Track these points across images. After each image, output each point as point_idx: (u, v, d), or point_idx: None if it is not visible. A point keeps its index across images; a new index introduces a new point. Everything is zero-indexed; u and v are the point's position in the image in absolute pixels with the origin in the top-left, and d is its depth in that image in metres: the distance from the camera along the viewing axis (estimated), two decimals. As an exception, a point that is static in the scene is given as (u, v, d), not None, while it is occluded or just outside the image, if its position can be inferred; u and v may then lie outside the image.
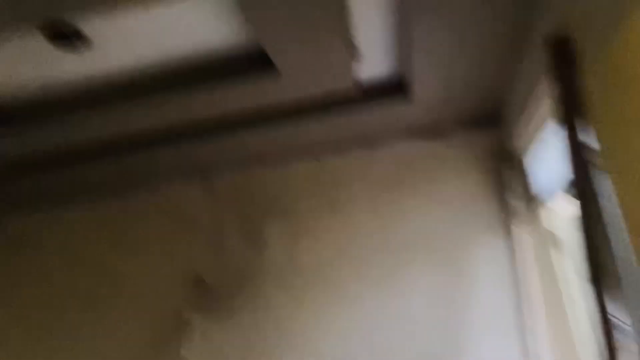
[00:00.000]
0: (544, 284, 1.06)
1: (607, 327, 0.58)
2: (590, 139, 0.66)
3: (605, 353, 0.58)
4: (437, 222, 1.20)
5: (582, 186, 0.65)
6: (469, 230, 1.18)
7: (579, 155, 0.66)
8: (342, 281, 1.21)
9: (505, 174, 1.20)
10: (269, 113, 1.11)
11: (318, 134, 1.20)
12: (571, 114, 0.68)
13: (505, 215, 1.17)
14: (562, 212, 1.04)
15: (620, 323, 0.58)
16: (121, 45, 0.90)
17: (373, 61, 1.04)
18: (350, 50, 0.95)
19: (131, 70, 0.97)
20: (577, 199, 0.66)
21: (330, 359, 1.16)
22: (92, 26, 0.84)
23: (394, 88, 1.12)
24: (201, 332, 1.23)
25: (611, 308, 0.58)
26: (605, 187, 0.62)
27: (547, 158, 1.00)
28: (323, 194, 1.29)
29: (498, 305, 1.11)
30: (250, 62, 0.96)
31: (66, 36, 0.85)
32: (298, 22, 0.81)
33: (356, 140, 1.26)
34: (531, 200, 1.12)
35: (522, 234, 1.13)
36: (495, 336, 1.09)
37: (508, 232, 1.16)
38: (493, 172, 1.21)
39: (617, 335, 0.58)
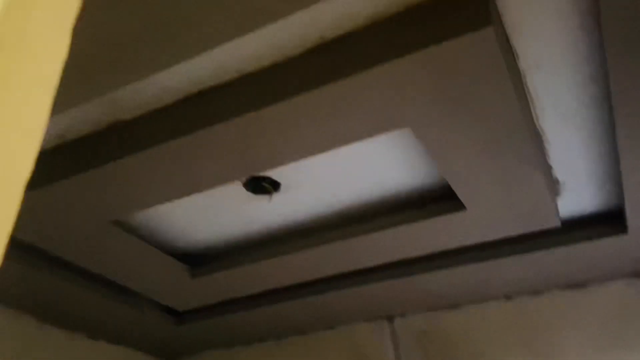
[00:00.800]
0: None
1: None
2: None
3: None
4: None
5: None
6: None
7: None
8: None
9: None
10: (456, 250, 1.02)
11: (511, 271, 1.06)
12: None
13: None
14: None
15: None
16: (310, 189, 0.92)
17: (578, 194, 0.92)
18: (550, 184, 0.84)
19: (319, 213, 0.99)
20: None
21: None
22: (282, 173, 0.88)
23: (602, 217, 0.97)
24: None
25: None
26: None
27: None
28: (518, 337, 1.13)
29: None
30: (436, 199, 0.91)
31: (261, 185, 0.89)
32: (486, 156, 0.75)
33: (558, 277, 1.09)
34: None
35: None
36: None
37: None
38: None
39: None
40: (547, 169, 0.85)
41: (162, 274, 1.09)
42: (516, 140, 0.73)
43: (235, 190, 0.92)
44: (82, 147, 0.75)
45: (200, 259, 1.13)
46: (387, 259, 1.03)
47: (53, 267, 1.03)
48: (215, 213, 0.99)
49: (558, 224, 0.92)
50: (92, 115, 0.72)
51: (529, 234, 0.97)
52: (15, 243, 0.95)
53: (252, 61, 0.67)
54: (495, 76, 0.62)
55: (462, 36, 0.58)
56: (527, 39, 0.65)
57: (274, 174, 0.88)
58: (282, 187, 0.92)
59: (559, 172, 0.88)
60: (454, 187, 0.82)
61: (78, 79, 0.64)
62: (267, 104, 0.67)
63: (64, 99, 0.66)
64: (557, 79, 0.71)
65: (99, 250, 0.97)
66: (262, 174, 0.87)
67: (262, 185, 0.92)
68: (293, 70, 0.66)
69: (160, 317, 1.27)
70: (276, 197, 0.94)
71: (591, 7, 0.60)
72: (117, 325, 1.28)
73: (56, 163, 0.77)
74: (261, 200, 0.95)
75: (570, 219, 0.99)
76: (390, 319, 1.28)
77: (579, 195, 0.93)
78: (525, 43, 0.66)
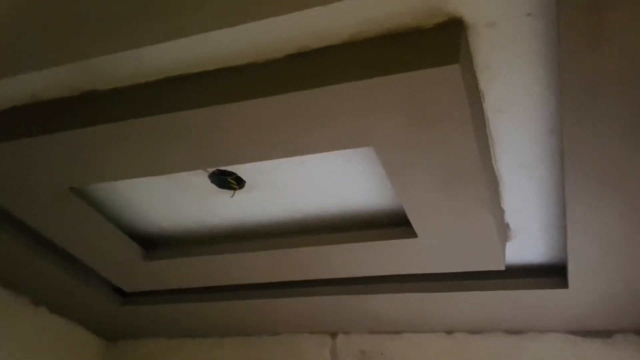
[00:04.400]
0: None
1: None
2: None
3: None
4: None
5: None
6: None
7: None
8: None
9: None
10: (402, 277, 1.05)
11: (453, 307, 1.09)
12: None
13: None
14: None
15: None
16: (273, 193, 0.94)
17: (527, 242, 0.95)
18: (501, 227, 0.88)
19: (278, 218, 1.00)
20: None
21: None
22: (248, 172, 0.90)
23: (546, 269, 1.00)
24: None
25: None
26: None
27: None
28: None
29: None
30: (392, 224, 0.93)
31: (226, 180, 0.91)
32: (442, 189, 0.78)
33: (499, 321, 1.12)
34: None
35: None
36: None
37: None
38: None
39: None
40: (500, 213, 0.88)
41: (115, 252, 1.09)
42: (472, 179, 0.76)
43: (200, 182, 0.93)
44: (54, 109, 0.77)
45: (155, 244, 1.14)
46: (336, 275, 1.05)
47: (6, 225, 1.03)
48: (177, 201, 1.00)
49: (502, 267, 0.94)
50: (69, 79, 0.73)
51: (474, 273, 1.00)
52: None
53: (234, 56, 0.69)
54: (457, 112, 0.65)
55: (430, 68, 0.61)
56: (495, 83, 0.68)
57: (240, 171, 0.90)
58: (246, 186, 0.93)
59: (510, 218, 0.91)
60: (408, 213, 0.85)
61: (60, 40, 0.65)
62: (240, 100, 0.69)
63: (42, 58, 0.67)
64: (519, 126, 0.74)
65: (54, 216, 0.97)
66: (226, 168, 0.88)
67: (227, 180, 0.94)
68: (271, 72, 0.69)
69: (107, 295, 1.27)
70: (239, 194, 0.95)
71: (556, 71, 0.64)
72: (62, 295, 1.27)
73: (26, 121, 0.78)
74: (224, 195, 0.96)
75: (516, 266, 1.02)
76: (333, 335, 1.29)
77: (527, 243, 0.96)
78: (492, 87, 0.69)
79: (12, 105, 0.78)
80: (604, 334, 1.09)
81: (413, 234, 0.89)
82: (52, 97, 0.76)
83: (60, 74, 0.71)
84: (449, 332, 1.19)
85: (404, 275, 1.04)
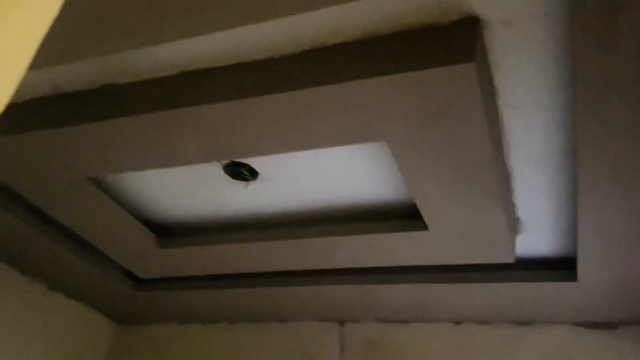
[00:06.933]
0: None
1: None
2: None
3: None
4: None
5: None
6: None
7: None
8: None
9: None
10: (412, 267, 1.06)
11: (462, 297, 1.11)
12: None
13: None
14: None
15: None
16: (285, 184, 0.95)
17: (536, 235, 0.96)
18: (511, 221, 0.88)
19: (290, 209, 1.02)
20: None
21: None
22: (261, 164, 0.92)
23: (556, 262, 1.01)
24: None
25: None
26: None
27: None
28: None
29: None
30: (402, 216, 0.94)
31: (240, 171, 0.93)
32: (454, 184, 0.79)
33: (507, 312, 1.14)
34: None
35: None
36: None
37: None
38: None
39: None
40: (511, 207, 0.89)
41: (130, 239, 1.12)
42: (484, 173, 0.76)
43: (214, 172, 0.95)
44: (74, 101, 0.78)
45: (169, 231, 1.16)
46: (346, 265, 1.07)
47: (26, 213, 1.05)
48: (192, 190, 1.02)
49: (512, 260, 0.96)
50: (89, 73, 0.74)
51: (483, 265, 1.01)
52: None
53: (250, 52, 0.70)
54: (472, 109, 0.66)
55: (446, 66, 0.61)
56: (509, 80, 0.69)
57: (254, 162, 0.91)
58: (259, 177, 0.95)
59: (521, 212, 0.92)
60: (419, 207, 0.86)
61: (81, 36, 0.66)
62: (255, 95, 0.70)
63: (64, 53, 0.68)
64: (531, 122, 0.75)
65: (72, 204, 1.00)
66: (241, 160, 0.90)
67: (240, 172, 0.95)
68: (286, 68, 0.70)
69: (121, 280, 1.30)
70: (252, 185, 0.97)
71: (570, 64, 0.64)
72: (77, 280, 1.30)
73: (47, 112, 0.79)
74: (237, 186, 0.98)
75: (525, 258, 1.03)
76: (341, 322, 1.32)
77: (537, 237, 0.97)
78: (506, 83, 0.70)
79: (34, 97, 0.79)
80: (610, 325, 1.10)
81: (424, 227, 0.90)
82: (73, 89, 0.78)
83: (81, 67, 0.72)
84: (457, 322, 1.21)
85: (413, 266, 1.05)
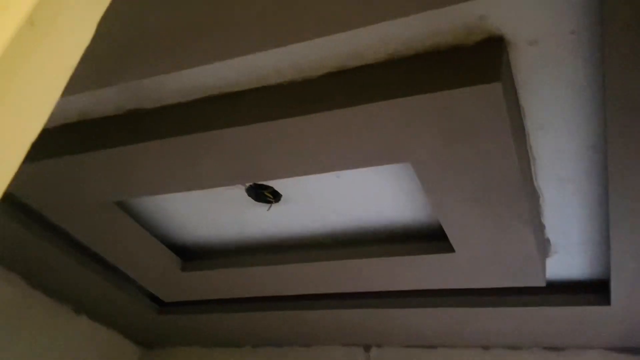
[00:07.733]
0: None
1: None
2: None
3: None
4: None
5: None
6: None
7: None
8: None
9: None
10: (439, 291, 1.04)
11: (491, 322, 1.07)
12: None
13: None
14: None
15: None
16: (308, 205, 0.95)
17: (567, 257, 0.93)
18: (540, 243, 0.86)
19: (313, 230, 1.01)
20: None
21: None
22: (284, 186, 0.91)
23: (588, 286, 0.98)
24: None
25: None
26: None
27: None
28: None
29: None
30: (428, 237, 0.93)
31: (263, 194, 0.93)
32: (481, 205, 0.77)
33: (538, 337, 1.10)
34: None
35: None
36: None
37: None
38: None
39: None
40: (540, 228, 0.87)
41: (154, 262, 1.12)
42: (512, 194, 0.75)
43: (237, 195, 0.95)
44: (101, 127, 0.79)
45: (193, 255, 1.16)
46: (371, 288, 1.05)
47: (53, 237, 1.07)
48: (215, 213, 1.02)
49: (543, 283, 0.93)
50: (116, 99, 0.76)
51: (512, 289, 0.99)
52: (20, 207, 0.99)
53: (274, 75, 0.70)
54: (498, 129, 0.65)
55: (471, 87, 0.61)
56: (535, 99, 0.68)
57: (277, 184, 0.91)
58: (282, 199, 0.95)
59: (551, 233, 0.89)
60: (445, 229, 0.84)
61: (108, 63, 0.68)
62: (278, 118, 0.70)
63: (91, 80, 0.70)
64: (559, 141, 0.73)
65: (97, 227, 1.00)
66: (264, 182, 0.90)
67: (263, 194, 0.95)
68: (310, 90, 0.70)
69: (145, 304, 1.30)
70: (275, 207, 0.97)
71: (600, 82, 0.63)
72: (102, 304, 1.30)
73: (74, 138, 0.81)
74: (260, 208, 0.98)
75: (556, 281, 1.00)
76: (367, 347, 1.29)
77: (568, 259, 0.94)
78: (533, 103, 0.69)
79: (62, 123, 0.81)
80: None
81: (450, 249, 0.88)
82: (100, 115, 0.79)
83: (108, 93, 0.73)
84: (486, 347, 1.18)
85: (440, 290, 1.03)
